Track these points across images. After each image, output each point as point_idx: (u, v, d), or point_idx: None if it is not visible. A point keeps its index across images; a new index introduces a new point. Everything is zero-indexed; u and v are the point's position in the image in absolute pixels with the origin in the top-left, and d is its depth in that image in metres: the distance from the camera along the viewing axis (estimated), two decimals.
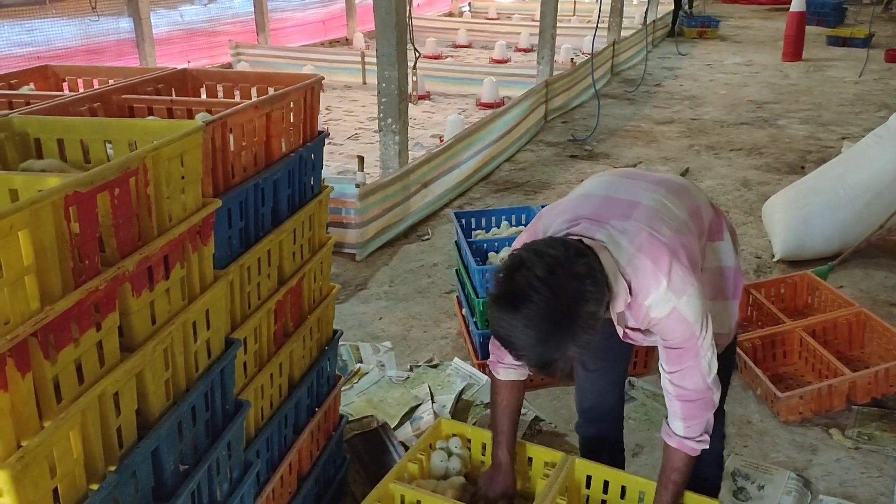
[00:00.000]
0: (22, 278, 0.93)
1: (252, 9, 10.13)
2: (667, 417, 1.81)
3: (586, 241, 1.60)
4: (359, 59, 8.95)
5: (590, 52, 8.30)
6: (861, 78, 9.35)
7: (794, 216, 4.23)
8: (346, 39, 12.18)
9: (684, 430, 1.76)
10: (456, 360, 3.00)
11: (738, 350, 3.14)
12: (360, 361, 3.00)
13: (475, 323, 3.12)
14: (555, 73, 7.54)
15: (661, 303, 1.61)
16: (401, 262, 4.38)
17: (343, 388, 2.83)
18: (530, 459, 2.14)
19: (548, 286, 1.44)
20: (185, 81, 1.93)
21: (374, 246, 4.41)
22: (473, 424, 2.64)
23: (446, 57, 10.37)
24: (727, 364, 1.97)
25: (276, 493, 1.82)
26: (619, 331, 1.78)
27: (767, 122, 7.37)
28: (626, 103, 8.18)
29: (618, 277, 1.59)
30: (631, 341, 1.84)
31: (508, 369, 1.92)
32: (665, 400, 1.80)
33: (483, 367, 2.99)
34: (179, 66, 1.91)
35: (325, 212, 1.98)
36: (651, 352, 3.25)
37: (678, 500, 1.86)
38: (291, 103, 1.73)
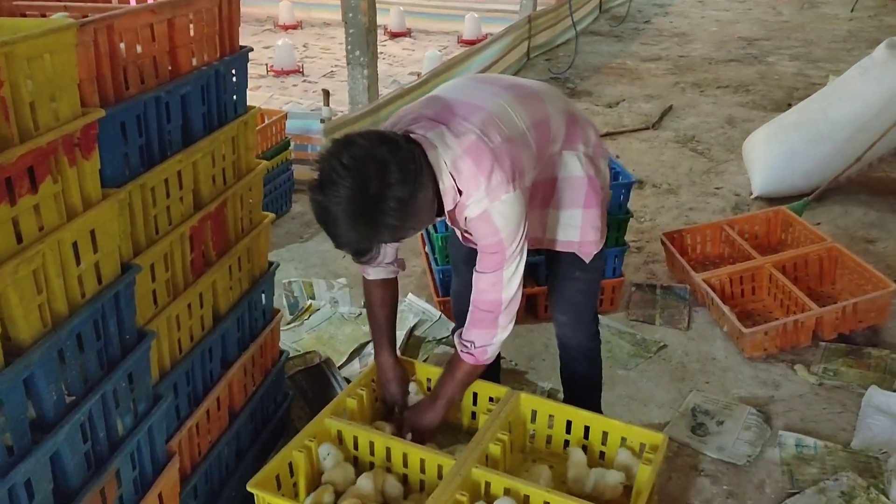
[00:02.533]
0: None
1: None
2: None
3: (417, 136, 1.64)
4: None
5: None
6: (854, 14, 9.09)
7: (773, 152, 4.11)
8: None
9: (465, 332, 1.85)
10: (410, 295, 2.91)
11: (706, 286, 3.07)
12: (313, 298, 2.92)
13: (435, 259, 3.03)
14: (538, 8, 7.28)
15: (476, 203, 1.66)
16: None
17: (293, 325, 2.75)
18: (475, 395, 2.07)
19: (349, 171, 1.47)
20: None
21: None
22: (425, 360, 2.58)
23: None
24: (596, 272, 2.06)
25: (200, 428, 1.75)
26: (458, 233, 1.86)
27: (757, 59, 7.17)
28: (613, 40, 7.94)
29: (444, 174, 1.64)
30: (472, 245, 1.88)
31: (377, 269, 1.99)
32: None
33: (442, 305, 2.91)
34: None
35: (252, 135, 1.85)
36: (618, 290, 3.17)
37: (451, 393, 1.94)
38: (203, 11, 1.59)
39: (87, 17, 1.27)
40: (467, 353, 1.84)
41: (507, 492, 1.75)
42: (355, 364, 2.49)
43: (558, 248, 1.98)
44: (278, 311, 2.12)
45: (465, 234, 1.82)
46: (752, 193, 4.19)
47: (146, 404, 1.45)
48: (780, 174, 4.06)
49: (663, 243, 3.46)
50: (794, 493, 2.26)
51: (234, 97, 1.78)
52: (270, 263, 2.05)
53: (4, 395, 1.08)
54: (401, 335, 2.59)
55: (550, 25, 7.42)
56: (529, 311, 3.06)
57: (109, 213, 1.28)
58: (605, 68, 6.88)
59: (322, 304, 2.82)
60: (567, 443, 2.00)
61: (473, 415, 2.09)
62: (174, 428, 1.64)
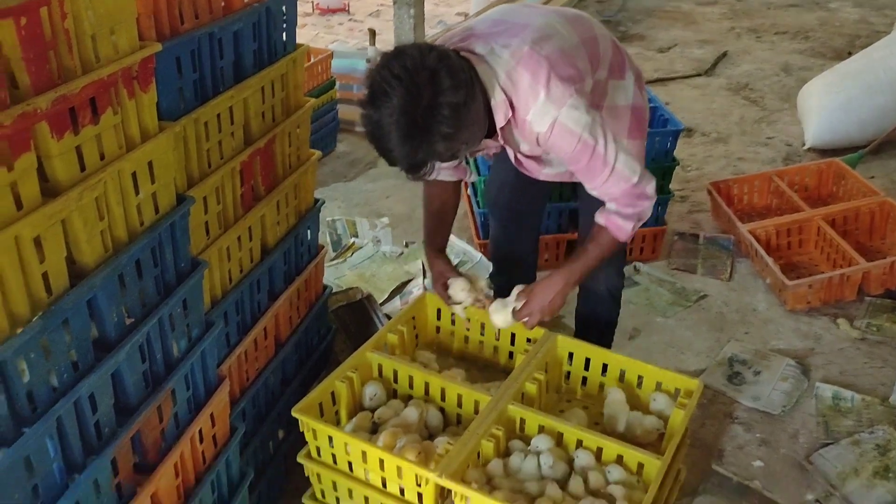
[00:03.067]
0: None
1: None
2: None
3: (465, 53, 1.60)
4: None
5: None
6: None
7: (830, 101, 3.98)
8: None
9: (616, 207, 1.78)
10: (451, 236, 2.94)
11: (751, 237, 3.04)
12: (356, 237, 2.97)
13: (477, 202, 3.05)
14: None
15: (541, 115, 1.62)
16: None
17: (335, 262, 2.81)
18: (513, 335, 2.11)
19: (401, 81, 1.45)
20: None
21: None
22: None
23: None
24: None
25: (249, 355, 1.83)
26: (510, 154, 1.82)
27: (818, 5, 6.85)
28: None
29: (496, 89, 1.60)
30: (525, 171, 1.85)
31: (437, 171, 1.92)
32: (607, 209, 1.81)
33: (483, 247, 2.94)
34: None
35: (300, 73, 1.88)
36: (660, 238, 3.15)
37: (585, 269, 1.88)
38: None
39: None
40: (628, 222, 1.78)
41: (541, 429, 1.80)
42: (396, 302, 2.55)
43: (587, 184, 1.89)
44: (323, 247, 2.17)
45: (520, 157, 1.78)
46: (804, 144, 4.08)
47: (199, 330, 1.52)
48: (835, 125, 3.94)
49: (709, 193, 3.41)
50: (827, 444, 2.28)
51: (284, 35, 1.79)
52: (316, 200, 2.09)
53: (70, 315, 1.15)
54: None
55: None
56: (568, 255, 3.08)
57: (166, 145, 1.33)
58: (658, 11, 6.67)
59: (365, 242, 2.87)
60: (602, 386, 2.04)
61: (511, 355, 2.13)
62: (224, 354, 1.72)
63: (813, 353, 2.67)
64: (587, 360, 2.04)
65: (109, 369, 1.24)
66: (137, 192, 1.29)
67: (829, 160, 3.47)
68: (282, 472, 2.07)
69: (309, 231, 2.05)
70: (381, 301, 2.49)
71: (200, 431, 1.54)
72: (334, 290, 2.37)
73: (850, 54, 5.44)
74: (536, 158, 1.82)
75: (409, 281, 2.63)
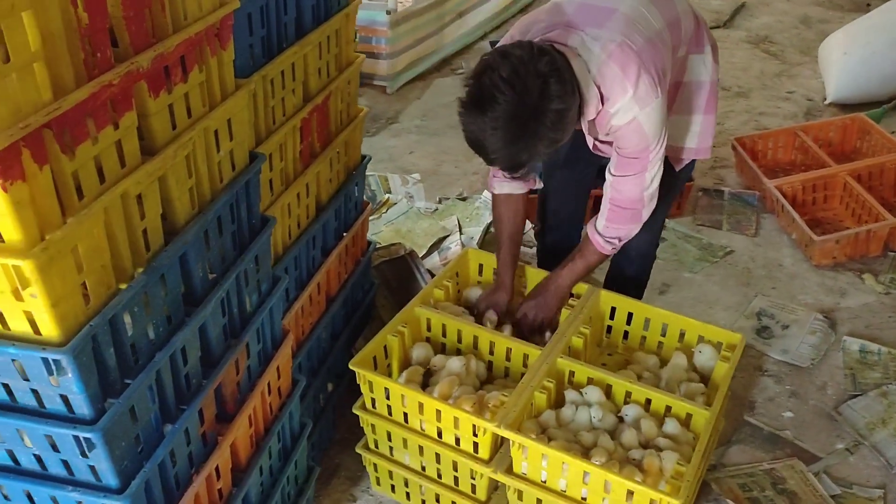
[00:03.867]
0: (31, 65, 0.88)
1: None
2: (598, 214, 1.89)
3: (558, 46, 1.60)
4: None
5: None
6: None
7: (851, 55, 3.96)
8: None
9: (603, 227, 1.86)
10: (486, 192, 2.97)
11: (777, 192, 3.07)
12: (389, 192, 2.99)
13: None
14: None
15: (624, 111, 1.63)
16: (433, 96, 4.26)
17: (371, 218, 2.84)
18: None
19: (511, 86, 1.45)
20: None
21: (406, 78, 4.27)
22: None
23: None
24: (682, 179, 2.08)
25: (304, 310, 1.87)
26: (590, 141, 1.85)
27: None
28: None
29: (589, 84, 1.61)
30: (600, 153, 1.89)
31: (503, 183, 1.97)
32: (602, 199, 1.87)
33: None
34: None
35: (352, 27, 1.87)
36: (686, 195, 3.18)
37: (571, 280, 1.98)
38: None
39: None
40: (611, 246, 1.88)
41: (590, 381, 1.86)
42: (434, 257, 2.58)
43: (674, 154, 1.96)
44: (367, 203, 2.19)
45: (598, 145, 1.81)
46: (825, 99, 4.08)
47: (267, 285, 1.55)
48: (857, 79, 3.94)
49: (734, 148, 3.43)
50: (856, 396, 2.35)
51: None
52: (363, 157, 2.10)
53: (167, 270, 1.18)
54: (478, 231, 2.67)
55: None
56: None
57: (243, 101, 1.34)
58: None
59: (398, 198, 2.89)
60: (644, 339, 2.09)
61: None
62: (285, 309, 1.75)
63: (839, 308, 2.72)
64: (629, 315, 2.09)
65: (199, 322, 1.28)
66: (218, 150, 1.30)
67: (854, 115, 3.48)
68: (331, 423, 2.13)
69: (356, 188, 2.07)
70: (419, 256, 2.52)
71: (268, 384, 1.58)
72: (377, 246, 2.40)
73: (868, 6, 5.40)
74: (610, 143, 1.83)
75: (447, 237, 2.66)
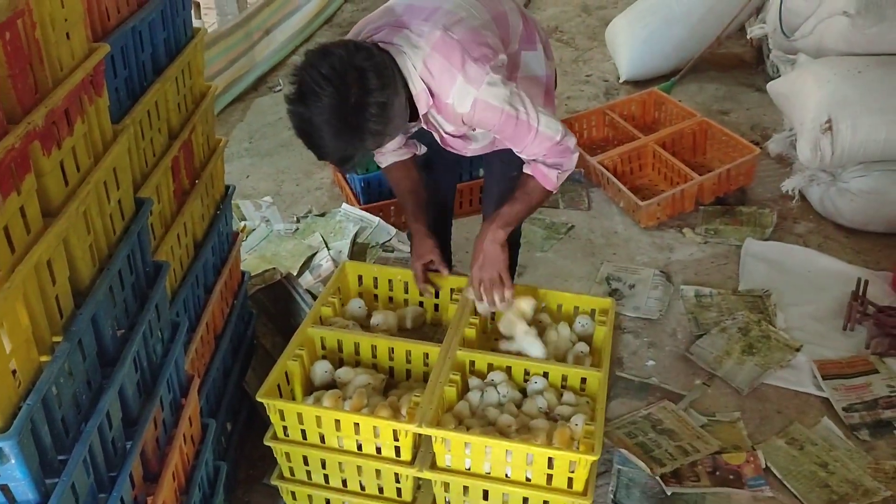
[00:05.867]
0: None
1: None
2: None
3: (383, 45, 1.69)
4: None
5: None
6: None
7: (635, 37, 4.40)
8: None
9: (543, 158, 1.86)
10: (344, 206, 2.99)
11: (601, 167, 3.37)
12: (244, 219, 2.92)
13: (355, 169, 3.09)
14: None
15: (461, 97, 1.70)
16: (256, 116, 4.18)
17: None
18: (437, 292, 2.22)
19: (330, 81, 1.51)
20: None
21: (225, 101, 4.15)
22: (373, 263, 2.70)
23: None
24: None
25: (198, 352, 1.81)
26: (436, 136, 1.92)
27: None
28: None
29: (416, 79, 1.68)
30: (451, 149, 1.97)
31: (387, 155, 2.04)
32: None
33: (369, 211, 3.00)
34: None
35: (201, 57, 1.83)
36: None
37: (516, 217, 1.97)
38: None
39: None
40: (556, 173, 1.87)
41: (490, 367, 1.97)
42: (307, 276, 2.57)
43: (515, 148, 2.00)
44: (237, 233, 2.15)
45: (445, 137, 1.88)
46: (619, 78, 4.50)
47: (168, 332, 1.49)
48: (643, 58, 4.39)
49: None
50: (700, 335, 2.66)
51: (184, 21, 1.74)
52: (227, 187, 2.06)
53: (82, 335, 1.11)
54: (345, 244, 2.69)
55: None
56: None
57: (125, 148, 1.29)
58: None
59: (256, 224, 2.84)
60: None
61: (436, 307, 2.26)
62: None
63: (670, 262, 3.06)
64: None
65: (118, 384, 1.22)
66: (109, 201, 1.24)
67: (650, 90, 3.89)
68: (233, 463, 2.07)
69: (226, 219, 2.03)
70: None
71: (183, 434, 1.53)
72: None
73: None
74: (462, 137, 1.91)
75: (314, 255, 2.65)
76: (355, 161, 1.67)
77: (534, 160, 1.89)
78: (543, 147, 1.82)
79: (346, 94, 1.53)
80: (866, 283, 2.63)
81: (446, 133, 1.87)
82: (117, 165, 1.27)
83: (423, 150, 2.09)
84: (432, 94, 1.72)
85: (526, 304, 2.05)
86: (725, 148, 3.48)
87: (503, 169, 2.11)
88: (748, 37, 4.38)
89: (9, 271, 0.93)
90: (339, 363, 2.04)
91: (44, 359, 1.02)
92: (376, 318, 2.11)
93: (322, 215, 2.95)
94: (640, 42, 4.37)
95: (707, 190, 3.28)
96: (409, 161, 2.07)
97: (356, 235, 2.73)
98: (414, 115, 1.77)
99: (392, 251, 2.80)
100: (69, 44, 1.14)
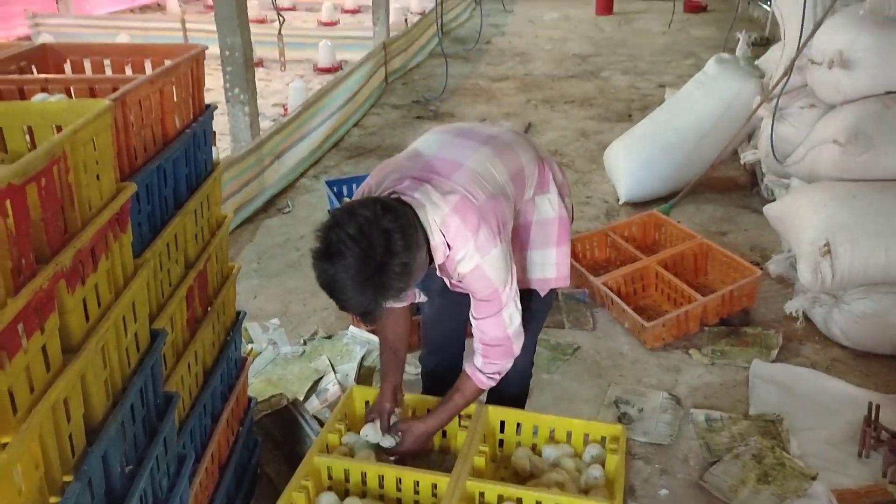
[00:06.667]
0: None
1: None
2: (473, 351, 1.99)
3: (406, 198, 1.74)
4: (178, 25, 8.39)
5: (419, 11, 8.30)
6: (665, 28, 10.12)
7: (633, 161, 4.57)
8: (158, 4, 11.37)
9: (482, 364, 1.95)
10: (351, 328, 2.99)
11: (605, 288, 3.40)
12: (251, 342, 2.92)
13: None
14: (391, 34, 7.51)
15: (468, 258, 1.77)
16: (265, 237, 4.26)
17: None
18: None
19: (356, 242, 1.56)
20: (45, 57, 1.75)
21: (235, 223, 4.24)
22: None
23: (271, 21, 9.98)
24: (547, 303, 2.21)
25: (202, 484, 1.76)
26: (447, 281, 1.96)
27: (592, 75, 7.81)
28: (461, 61, 8.33)
29: (435, 232, 1.73)
30: (460, 289, 1.99)
31: None
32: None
33: (376, 333, 3.00)
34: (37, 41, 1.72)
35: (219, 189, 1.89)
36: None
37: (450, 416, 2.06)
38: (181, 76, 1.63)
39: (91, 89, 1.29)
40: (493, 381, 1.96)
41: (500, 498, 1.91)
42: (314, 401, 2.54)
43: (534, 287, 2.09)
44: (245, 359, 2.14)
45: (455, 284, 1.91)
46: (619, 200, 4.63)
47: (175, 466, 1.47)
48: (641, 181, 4.53)
49: None
50: (714, 462, 2.59)
51: (205, 155, 1.81)
52: (237, 313, 2.07)
53: (92, 474, 1.10)
54: (352, 367, 2.68)
55: (403, 50, 7.68)
56: None
57: (144, 282, 1.31)
58: (461, 89, 7.23)
59: (263, 347, 2.83)
60: (535, 446, 2.19)
61: (443, 433, 2.22)
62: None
63: (678, 384, 3.03)
64: (518, 425, 2.19)
65: None
66: (126, 335, 1.26)
67: (649, 212, 3.99)
68: None
69: (235, 345, 2.03)
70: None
71: None
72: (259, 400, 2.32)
73: (630, 117, 6.29)
74: None
75: (321, 378, 2.63)
76: (377, 314, 1.69)
77: (474, 366, 1.96)
78: (493, 332, 1.88)
79: (372, 254, 1.57)
80: (878, 407, 2.59)
81: (452, 281, 1.91)
82: (136, 299, 1.29)
83: (422, 298, 2.13)
84: (449, 248, 1.77)
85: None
86: (727, 269, 3.52)
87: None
88: (742, 161, 4.54)
89: (26, 412, 0.93)
90: (345, 493, 1.99)
91: (53, 500, 1.00)
92: (385, 442, 2.08)
93: (329, 337, 2.95)
94: (637, 166, 4.53)
95: (711, 311, 3.30)
96: (402, 312, 2.10)
97: (363, 358, 2.72)
98: (429, 260, 1.80)
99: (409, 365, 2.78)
100: (99, 184, 1.19)
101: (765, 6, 9.54)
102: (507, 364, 1.96)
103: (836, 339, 3.15)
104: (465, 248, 1.75)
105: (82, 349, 1.07)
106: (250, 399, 2.18)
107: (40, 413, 0.94)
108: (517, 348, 1.93)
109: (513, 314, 1.87)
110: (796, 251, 3.16)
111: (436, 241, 1.74)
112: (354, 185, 3.70)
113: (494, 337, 1.89)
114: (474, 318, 1.90)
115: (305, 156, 5.09)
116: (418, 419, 2.09)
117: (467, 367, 1.99)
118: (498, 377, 1.98)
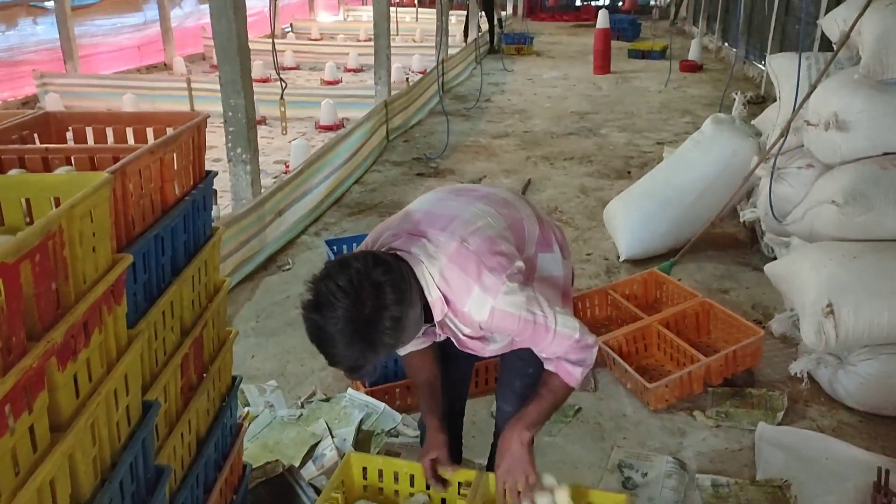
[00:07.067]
0: None
1: (57, 35, 9.37)
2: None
3: (401, 253, 1.72)
4: (184, 85, 8.55)
5: (420, 70, 8.45)
6: (662, 87, 10.28)
7: (632, 218, 4.58)
8: (165, 65, 11.62)
9: (564, 354, 1.85)
10: (350, 390, 2.95)
11: (607, 348, 3.36)
12: (247, 405, 2.88)
13: None
14: (392, 92, 7.63)
15: (479, 306, 1.72)
16: (264, 295, 4.24)
17: None
18: (445, 481, 2.15)
19: (346, 294, 1.53)
20: (47, 125, 1.77)
21: (234, 281, 4.23)
22: (378, 453, 2.62)
23: (275, 80, 10.16)
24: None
25: None
26: (454, 339, 1.92)
27: (591, 132, 7.91)
28: (461, 119, 8.45)
29: (432, 287, 1.71)
30: (470, 350, 1.97)
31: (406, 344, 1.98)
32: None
33: (374, 395, 2.96)
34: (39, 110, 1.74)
35: (217, 254, 1.89)
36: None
37: (540, 415, 1.92)
38: (182, 144, 1.64)
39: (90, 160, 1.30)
40: (580, 370, 1.86)
41: None
42: (310, 467, 2.48)
43: (535, 348, 1.99)
44: (241, 425, 2.10)
45: (463, 339, 1.88)
46: (619, 257, 4.62)
47: None
48: (641, 238, 4.53)
49: None
50: None
51: (204, 222, 1.81)
52: (233, 378, 2.04)
53: None
54: (350, 431, 2.63)
55: (404, 108, 7.80)
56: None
57: (138, 354, 1.29)
58: (461, 146, 7.31)
59: (259, 410, 2.79)
60: None
61: (443, 501, 2.17)
62: None
63: (683, 447, 2.97)
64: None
65: None
66: (117, 409, 1.23)
67: (650, 271, 3.98)
68: None
69: (231, 411, 1.99)
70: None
71: None
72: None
73: (629, 174, 6.34)
74: (480, 338, 1.91)
75: (318, 443, 2.58)
76: (366, 370, 1.65)
77: (557, 357, 1.87)
78: (563, 346, 1.82)
79: (361, 306, 1.54)
80: (887, 472, 2.53)
81: (464, 336, 1.87)
82: (129, 371, 1.27)
83: (443, 336, 2.05)
84: (448, 302, 1.74)
85: (562, 497, 1.97)
86: (729, 328, 3.50)
87: (522, 365, 2.11)
88: (741, 220, 4.55)
89: (11, 495, 0.90)
90: None
91: None
92: None
93: (327, 400, 2.91)
94: (637, 223, 4.54)
95: (714, 371, 3.26)
96: (428, 350, 2.06)
97: (361, 422, 2.67)
98: (428, 318, 1.77)
99: (397, 436, 2.73)
100: (94, 256, 1.18)
101: (759, 65, 9.74)
102: (591, 355, 1.86)
103: (842, 401, 3.11)
104: (470, 297, 1.71)
105: (71, 427, 1.05)
106: (245, 466, 2.13)
107: (25, 497, 0.91)
108: (591, 340, 1.84)
109: (565, 322, 1.79)
110: (799, 311, 3.14)
111: (433, 296, 1.71)
112: (355, 244, 3.70)
113: (567, 346, 1.82)
114: (540, 353, 1.85)
115: (306, 213, 5.12)
116: (507, 436, 1.93)
117: (549, 365, 1.89)
118: (585, 368, 1.86)
